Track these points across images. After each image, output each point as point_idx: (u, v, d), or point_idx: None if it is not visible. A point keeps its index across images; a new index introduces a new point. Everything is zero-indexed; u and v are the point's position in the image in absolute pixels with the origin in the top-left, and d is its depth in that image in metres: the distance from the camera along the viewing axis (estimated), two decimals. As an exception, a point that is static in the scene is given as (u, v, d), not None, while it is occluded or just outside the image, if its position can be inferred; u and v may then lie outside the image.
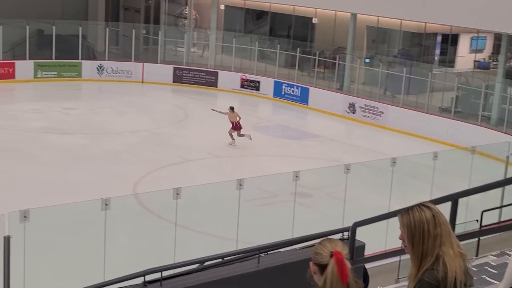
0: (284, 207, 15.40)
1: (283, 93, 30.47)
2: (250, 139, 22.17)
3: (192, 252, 13.28)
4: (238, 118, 22.37)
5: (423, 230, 3.77)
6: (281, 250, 8.07)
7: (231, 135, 22.30)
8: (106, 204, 10.06)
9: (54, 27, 31.85)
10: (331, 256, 3.66)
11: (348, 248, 4.24)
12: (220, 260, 7.69)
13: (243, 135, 22.29)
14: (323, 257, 3.70)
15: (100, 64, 32.65)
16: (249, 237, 12.67)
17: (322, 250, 3.73)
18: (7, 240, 9.06)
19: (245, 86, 31.59)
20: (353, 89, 28.81)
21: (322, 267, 3.69)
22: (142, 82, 32.66)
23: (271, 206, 16.30)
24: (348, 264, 3.66)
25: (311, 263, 3.73)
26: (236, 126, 22.31)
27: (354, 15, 28.93)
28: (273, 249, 7.78)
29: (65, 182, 17.85)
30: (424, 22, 27.59)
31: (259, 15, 35.53)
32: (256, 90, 31.32)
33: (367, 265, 7.03)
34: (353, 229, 8.00)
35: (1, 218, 9.21)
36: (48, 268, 10.76)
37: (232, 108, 22.60)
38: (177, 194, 10.81)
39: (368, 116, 27.16)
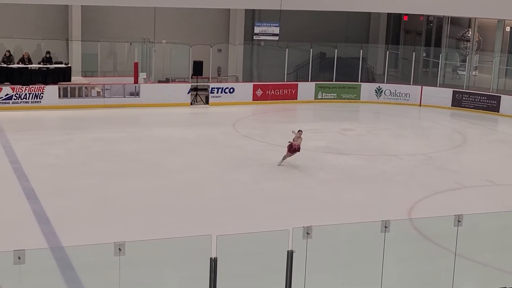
0: None
1: None
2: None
3: (469, 282, 12.80)
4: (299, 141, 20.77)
5: None
6: None
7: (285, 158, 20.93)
8: (386, 227, 10.07)
9: (336, 50, 32.82)
10: None
11: None
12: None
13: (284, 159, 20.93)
14: None
15: (379, 87, 32.96)
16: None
17: None
18: (290, 254, 9.46)
19: (530, 112, 29.90)
20: None
21: None
22: (420, 105, 32.36)
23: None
24: None
25: None
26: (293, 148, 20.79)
27: None
28: None
29: (342, 201, 18.22)
30: None
31: (549, 36, 33.49)
32: (542, 116, 29.51)
33: None
34: None
35: (285, 233, 9.61)
36: (326, 285, 11.02)
37: (300, 132, 20.97)
38: (459, 221, 10.48)
39: None
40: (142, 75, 30.51)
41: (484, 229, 13.17)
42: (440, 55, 34.04)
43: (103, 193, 18.11)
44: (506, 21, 33.00)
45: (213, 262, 8.99)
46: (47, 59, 29.46)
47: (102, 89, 29.35)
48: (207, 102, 30.85)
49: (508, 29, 34.00)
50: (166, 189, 18.67)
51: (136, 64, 30.39)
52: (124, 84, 29.71)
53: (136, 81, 30.05)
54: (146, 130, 25.99)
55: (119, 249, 8.63)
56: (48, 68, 29.04)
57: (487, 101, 31.27)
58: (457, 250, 11.43)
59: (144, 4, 30.55)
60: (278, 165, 21.11)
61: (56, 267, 10.87)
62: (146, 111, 29.08)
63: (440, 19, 36.00)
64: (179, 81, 32.19)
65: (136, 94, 29.76)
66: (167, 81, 32.42)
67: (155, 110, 29.22)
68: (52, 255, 11.25)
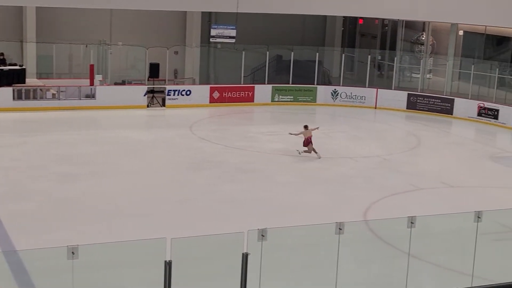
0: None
1: (524, 123, 28.96)
2: (319, 157, 22.70)
3: (423, 284, 12.97)
4: (311, 134, 22.93)
5: None
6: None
7: (313, 150, 22.76)
8: (340, 228, 10.16)
9: (292, 53, 32.99)
10: None
11: None
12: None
13: (315, 152, 22.76)
14: None
15: (335, 89, 33.23)
16: (484, 272, 12.13)
17: None
18: (245, 257, 9.47)
19: (483, 115, 30.42)
20: None
21: None
22: (375, 108, 32.70)
23: (509, 242, 15.46)
24: None
25: None
26: (306, 141, 22.79)
27: None
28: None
29: (299, 203, 18.31)
30: None
31: (500, 40, 34.15)
32: (494, 118, 30.04)
33: None
34: None
35: (240, 236, 9.63)
36: (281, 287, 11.08)
37: (305, 127, 23.01)
38: (412, 223, 10.62)
39: None
40: (98, 77, 30.26)
41: (438, 230, 13.38)
42: (395, 58, 34.46)
43: (59, 196, 17.91)
44: (459, 25, 33.56)
45: (168, 265, 8.96)
46: (1, 61, 29.04)
47: (57, 91, 29.03)
48: (163, 105, 30.72)
49: (461, 32, 34.60)
50: (123, 191, 18.55)
51: (92, 66, 30.12)
52: (80, 86, 29.43)
53: (92, 83, 29.78)
54: (102, 133, 25.77)
55: (72, 252, 8.56)
56: (2, 69, 28.60)
57: (441, 103, 31.75)
58: (411, 251, 11.57)
59: (99, 6, 30.27)
60: (300, 153, 22.82)
61: (8, 271, 10.71)
62: (102, 114, 28.84)
63: (395, 23, 36.46)
64: (135, 84, 32.01)
65: (92, 96, 29.49)
66: (123, 83, 32.20)
67: (112, 113, 29.00)
68: (5, 259, 11.08)
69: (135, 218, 16.55)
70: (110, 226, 15.87)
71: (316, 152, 22.74)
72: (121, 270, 9.78)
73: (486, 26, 32.69)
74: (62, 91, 29.07)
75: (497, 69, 31.36)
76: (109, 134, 25.28)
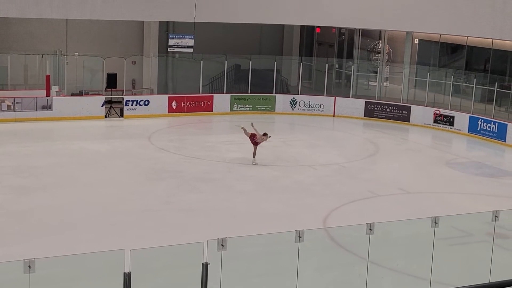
0: (479, 248, 14.75)
1: (478, 129, 29.40)
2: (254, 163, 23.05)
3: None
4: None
5: None
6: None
7: (254, 154, 23.11)
8: (299, 236, 10.18)
9: (250, 62, 33.07)
10: None
11: None
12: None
13: (254, 156, 23.13)
14: None
15: (293, 98, 33.39)
16: (442, 277, 12.27)
17: None
18: (205, 267, 9.43)
19: (439, 121, 30.87)
20: (556, 126, 27.24)
21: None
22: (334, 116, 32.94)
23: (466, 246, 15.67)
24: None
25: None
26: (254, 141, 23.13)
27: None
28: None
29: (259, 212, 18.32)
30: None
31: (454, 48, 34.70)
32: (450, 125, 30.50)
33: None
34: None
35: (199, 245, 9.59)
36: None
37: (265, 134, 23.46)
38: (370, 229, 10.70)
39: None
40: (54, 88, 29.91)
41: (396, 236, 13.50)
42: (352, 66, 34.79)
43: (15, 208, 17.63)
44: (414, 33, 34.02)
45: (127, 277, 8.87)
46: (-46, 72, 28.58)
47: (13, 103, 28.63)
48: (121, 115, 30.51)
49: (416, 41, 35.07)
50: (81, 203, 18.33)
51: (48, 77, 29.78)
52: (36, 97, 29.07)
53: (48, 94, 29.44)
54: (59, 144, 25.48)
55: (29, 266, 8.42)
56: (-45, 81, 28.15)
57: (398, 111, 32.13)
58: (370, 257, 11.65)
59: (55, 16, 29.93)
60: (253, 163, 22.93)
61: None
62: (59, 125, 28.53)
63: (351, 32, 36.81)
64: (92, 94, 31.74)
65: (48, 107, 29.15)
66: (80, 94, 31.89)
67: (69, 124, 28.71)
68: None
69: (93, 230, 16.37)
70: (67, 238, 15.66)
71: (254, 157, 23.12)
72: (79, 283, 9.66)
73: (440, 34, 33.20)
74: (17, 103, 28.68)
75: (452, 77, 31.88)
76: (66, 146, 25.00)
